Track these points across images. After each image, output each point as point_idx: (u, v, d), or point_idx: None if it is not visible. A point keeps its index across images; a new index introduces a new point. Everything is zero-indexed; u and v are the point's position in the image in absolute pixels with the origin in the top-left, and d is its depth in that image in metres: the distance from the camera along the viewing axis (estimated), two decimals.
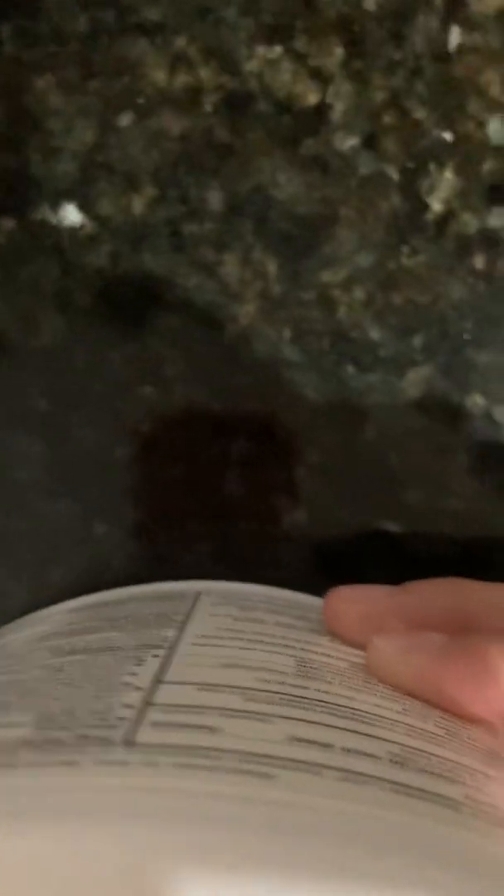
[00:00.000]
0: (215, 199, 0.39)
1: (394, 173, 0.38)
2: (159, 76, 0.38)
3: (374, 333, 0.39)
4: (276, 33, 0.37)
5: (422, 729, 0.23)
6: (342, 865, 0.16)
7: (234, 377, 0.40)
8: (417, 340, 0.39)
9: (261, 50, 0.37)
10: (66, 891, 0.16)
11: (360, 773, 0.19)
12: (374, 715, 0.23)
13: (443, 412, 0.39)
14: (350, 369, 0.39)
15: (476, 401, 0.39)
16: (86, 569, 0.42)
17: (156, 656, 0.25)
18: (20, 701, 0.23)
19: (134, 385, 0.40)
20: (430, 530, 0.40)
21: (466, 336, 0.38)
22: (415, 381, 0.39)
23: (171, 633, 0.27)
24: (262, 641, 0.27)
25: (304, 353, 0.39)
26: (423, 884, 0.16)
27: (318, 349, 0.39)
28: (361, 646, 0.29)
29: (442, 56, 0.36)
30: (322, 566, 0.40)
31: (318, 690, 0.24)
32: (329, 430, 0.40)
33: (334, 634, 0.30)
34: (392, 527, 0.40)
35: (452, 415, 0.39)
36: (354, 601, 0.31)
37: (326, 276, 0.39)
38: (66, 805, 0.17)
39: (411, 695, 0.26)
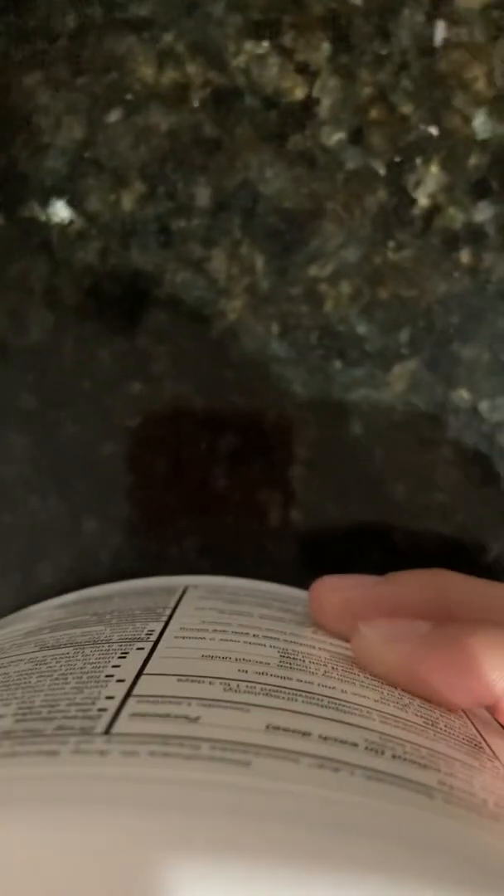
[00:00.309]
0: (203, 194, 0.39)
1: (380, 168, 0.38)
2: (147, 72, 0.38)
3: (361, 328, 0.39)
4: (264, 29, 0.37)
5: (399, 717, 0.24)
6: (316, 850, 0.16)
7: (221, 372, 0.40)
8: (403, 335, 0.39)
9: (248, 45, 0.37)
10: (44, 877, 0.16)
11: (337, 760, 0.19)
12: (354, 704, 0.23)
13: (428, 406, 0.39)
14: (337, 364, 0.39)
15: (461, 395, 0.39)
16: (74, 565, 0.42)
17: (140, 649, 0.25)
18: (3, 693, 0.23)
19: (122, 381, 0.40)
20: (415, 523, 0.40)
21: (452, 330, 0.39)
22: (401, 376, 0.39)
23: (156, 626, 0.27)
24: (246, 634, 0.27)
25: (291, 347, 0.39)
26: (394, 868, 0.16)
27: (305, 344, 0.39)
28: (345, 635, 0.29)
29: (428, 51, 0.37)
30: (308, 560, 0.40)
31: (300, 681, 0.24)
32: (316, 424, 0.40)
33: (319, 623, 0.31)
34: (377, 520, 0.40)
35: (438, 409, 0.39)
36: (339, 590, 0.31)
37: (313, 271, 0.39)
38: (44, 793, 0.17)
39: (394, 683, 0.26)
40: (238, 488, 0.41)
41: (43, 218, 0.39)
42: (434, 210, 0.38)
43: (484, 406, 0.39)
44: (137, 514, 0.41)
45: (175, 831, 0.16)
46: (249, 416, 0.40)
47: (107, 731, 0.19)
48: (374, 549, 0.40)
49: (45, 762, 0.18)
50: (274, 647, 0.27)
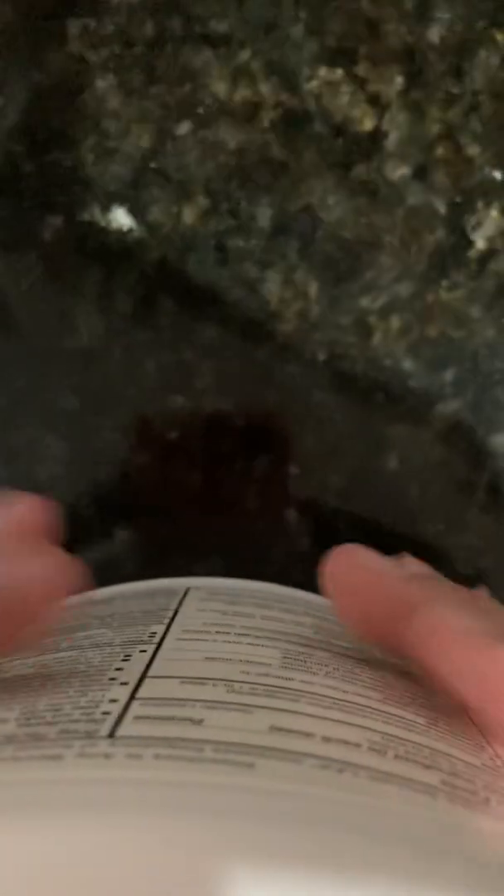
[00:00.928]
0: (264, 215, 0.39)
1: (441, 206, 0.38)
2: (220, 88, 0.38)
3: (407, 363, 0.39)
4: (339, 56, 0.37)
5: (402, 717, 0.24)
6: (320, 851, 0.16)
7: (264, 394, 0.40)
8: (448, 374, 0.39)
9: (322, 71, 0.37)
10: (49, 883, 0.16)
11: (340, 761, 0.19)
12: (356, 704, 0.23)
13: (466, 448, 0.39)
14: (379, 397, 0.39)
15: (500, 440, 0.39)
16: (99, 570, 0.42)
17: (143, 652, 0.25)
18: (5, 698, 0.23)
19: (165, 393, 0.41)
20: (442, 563, 0.40)
21: (497, 375, 0.38)
22: (442, 415, 0.39)
23: (158, 628, 0.27)
24: (248, 635, 0.27)
25: (335, 376, 0.39)
26: (398, 869, 0.16)
27: (350, 374, 0.39)
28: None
29: (499, 94, 0.37)
30: None
31: (302, 681, 0.24)
32: (353, 454, 0.40)
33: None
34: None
35: (476, 451, 0.39)
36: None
37: (365, 302, 0.39)
38: (48, 798, 0.17)
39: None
40: (268, 510, 0.40)
41: (102, 223, 0.40)
42: (490, 254, 0.38)
43: None
44: (163, 524, 0.41)
45: (180, 834, 0.16)
46: (287, 439, 0.40)
47: (111, 735, 0.19)
48: None
49: (49, 767, 0.18)
50: (276, 647, 0.27)
